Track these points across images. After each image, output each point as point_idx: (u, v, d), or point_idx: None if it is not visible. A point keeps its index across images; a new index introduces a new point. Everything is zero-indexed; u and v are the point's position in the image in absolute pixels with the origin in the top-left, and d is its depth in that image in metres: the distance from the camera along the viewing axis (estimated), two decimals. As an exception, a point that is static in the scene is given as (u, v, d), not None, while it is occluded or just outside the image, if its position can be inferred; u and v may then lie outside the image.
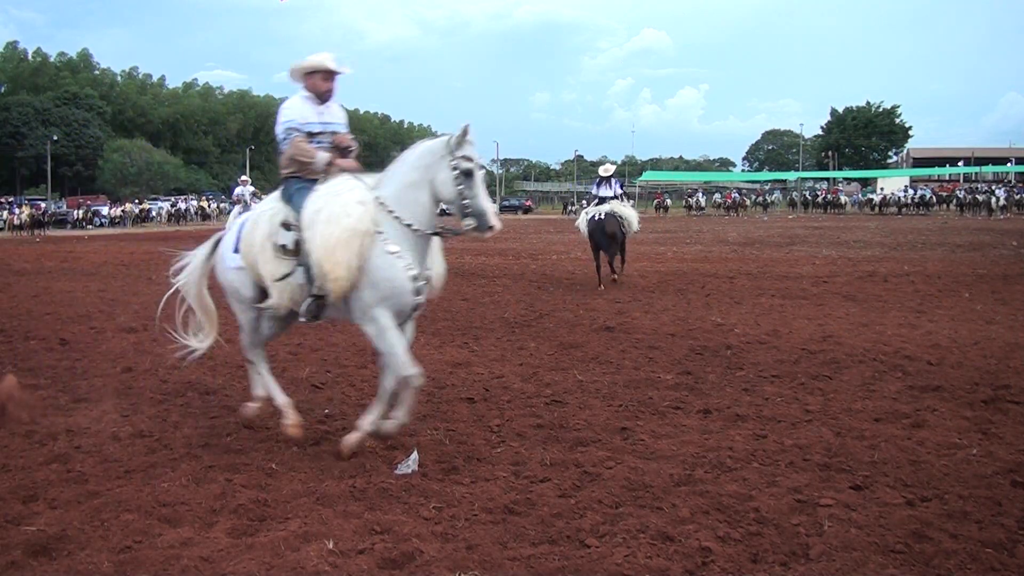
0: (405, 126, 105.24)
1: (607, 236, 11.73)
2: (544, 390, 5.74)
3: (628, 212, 12.17)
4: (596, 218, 11.94)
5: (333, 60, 4.53)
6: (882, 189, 58.30)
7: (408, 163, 4.23)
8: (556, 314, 9.22)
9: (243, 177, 19.22)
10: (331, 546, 3.24)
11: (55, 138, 59.40)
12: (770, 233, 27.52)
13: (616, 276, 12.30)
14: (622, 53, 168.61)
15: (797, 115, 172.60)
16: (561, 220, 50.06)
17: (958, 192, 49.87)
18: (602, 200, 12.28)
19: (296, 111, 4.49)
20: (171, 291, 5.13)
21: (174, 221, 47.82)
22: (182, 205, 50.66)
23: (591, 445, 4.50)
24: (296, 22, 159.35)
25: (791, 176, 75.05)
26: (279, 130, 4.49)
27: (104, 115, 68.64)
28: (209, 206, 50.67)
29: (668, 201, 55.94)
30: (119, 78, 77.24)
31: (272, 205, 4.56)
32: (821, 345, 7.20)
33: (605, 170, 12.75)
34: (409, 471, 4.09)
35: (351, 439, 4.32)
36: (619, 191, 12.67)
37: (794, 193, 60.59)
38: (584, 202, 13.17)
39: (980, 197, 46.29)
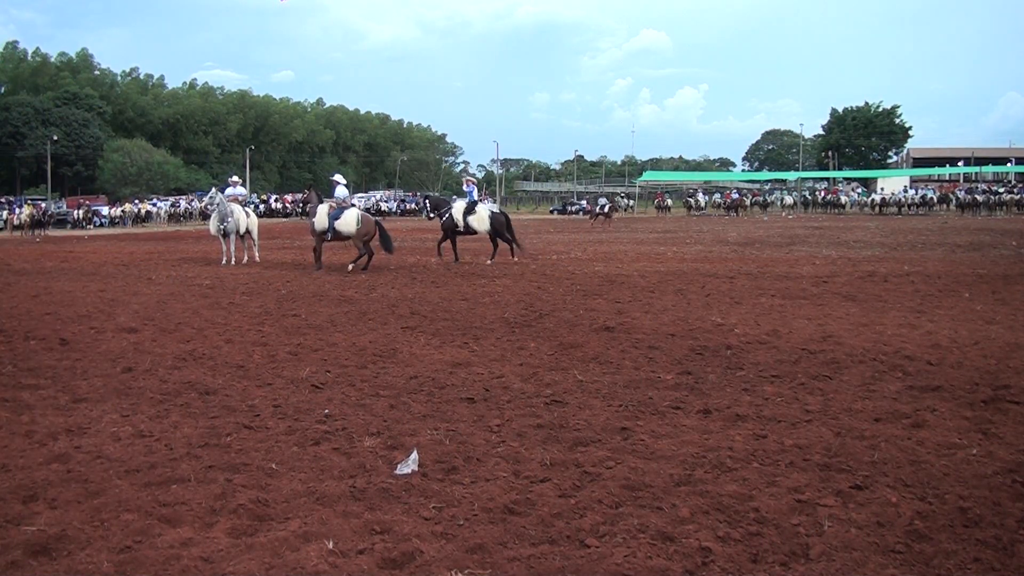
0: (405, 126, 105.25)
1: (509, 222, 16.52)
2: (544, 390, 5.74)
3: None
4: (500, 211, 17.45)
5: None
6: (882, 189, 58.40)
7: None
8: (556, 314, 9.22)
9: (234, 178, 19.25)
10: (331, 546, 3.24)
11: (55, 138, 59.43)
12: (770, 233, 27.52)
13: (516, 255, 16.40)
14: (621, 53, 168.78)
15: (797, 115, 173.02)
16: (560, 220, 50.08)
17: (958, 192, 49.93)
18: (475, 202, 16.47)
19: None
20: None
21: (174, 221, 47.87)
22: (183, 204, 50.68)
23: (591, 445, 4.50)
24: (296, 22, 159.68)
25: (791, 176, 75.13)
26: None
27: (104, 115, 68.70)
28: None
29: (669, 201, 56.07)
30: (119, 78, 77.34)
31: None
32: (821, 345, 7.20)
33: (473, 178, 17.49)
34: (409, 471, 4.09)
35: None
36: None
37: (794, 193, 60.86)
38: (435, 202, 18.42)
39: (979, 197, 46.38)
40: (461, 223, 16.15)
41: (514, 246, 16.41)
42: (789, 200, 56.44)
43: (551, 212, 66.15)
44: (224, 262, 16.72)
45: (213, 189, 18.38)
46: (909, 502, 3.62)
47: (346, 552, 3.21)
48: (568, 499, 3.72)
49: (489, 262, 15.93)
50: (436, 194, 20.49)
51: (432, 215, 17.45)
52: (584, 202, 66.01)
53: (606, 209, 38.93)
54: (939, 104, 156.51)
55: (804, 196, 57.96)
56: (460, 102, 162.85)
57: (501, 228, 16.20)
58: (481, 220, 16.09)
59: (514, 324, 8.61)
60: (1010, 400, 5.25)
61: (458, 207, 16.37)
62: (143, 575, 3.04)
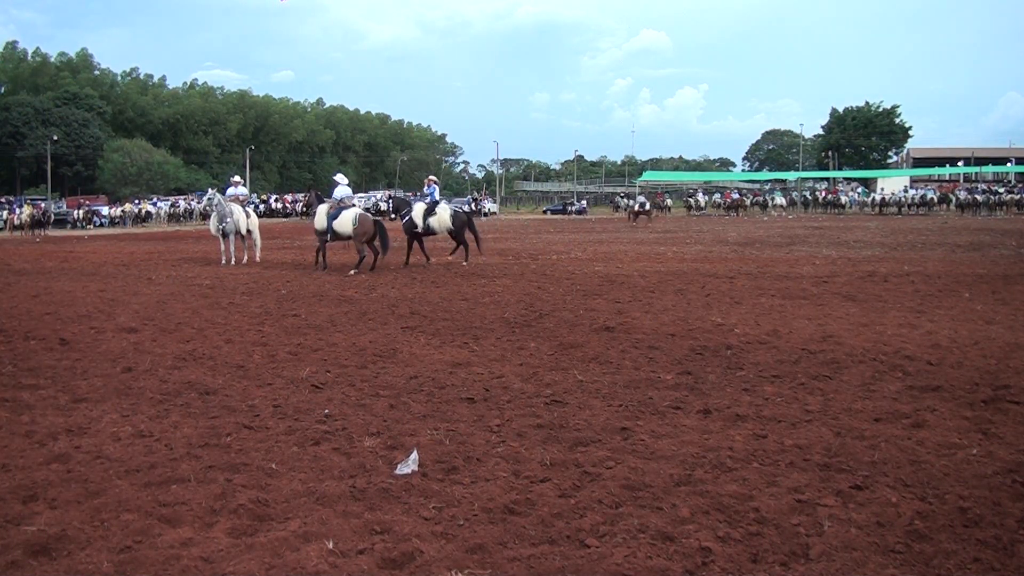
0: (405, 126, 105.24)
1: (471, 221, 16.42)
2: (544, 390, 5.74)
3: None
4: (462, 210, 17.69)
5: None
6: (882, 189, 58.38)
7: None
8: (556, 314, 9.22)
9: (235, 178, 19.29)
10: (331, 546, 3.24)
11: (55, 138, 59.43)
12: (770, 233, 27.52)
13: (470, 259, 16.02)
14: (621, 53, 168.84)
15: (797, 115, 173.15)
16: (559, 220, 50.08)
17: (958, 192, 49.94)
18: (436, 203, 16.25)
19: None
20: None
21: (174, 221, 47.88)
22: (183, 204, 50.67)
23: (591, 445, 4.50)
24: (296, 22, 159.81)
25: (791, 176, 75.13)
26: None
27: (104, 115, 68.70)
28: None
29: (668, 201, 56.04)
30: (119, 78, 77.36)
31: None
32: (821, 345, 7.20)
33: (435, 180, 17.02)
34: (409, 471, 4.09)
35: None
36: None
37: (793, 193, 60.79)
38: (400, 201, 18.14)
39: (979, 197, 46.41)
40: (421, 224, 15.93)
41: (468, 247, 16.14)
42: (780, 200, 55.72)
43: (544, 212, 65.51)
44: (224, 262, 16.71)
45: (211, 190, 18.41)
46: (909, 502, 3.62)
47: (346, 552, 3.21)
48: (568, 499, 3.72)
49: (465, 263, 15.77)
50: (402, 195, 20.43)
51: (394, 216, 17.31)
52: (584, 202, 65.93)
53: (646, 207, 38.90)
54: (939, 104, 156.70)
55: (804, 196, 57.84)
56: (460, 102, 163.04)
57: (462, 227, 16.08)
58: (441, 221, 15.91)
59: (514, 324, 8.61)
60: (1010, 400, 5.25)
61: (418, 208, 16.18)
62: (143, 575, 3.05)
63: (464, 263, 15.81)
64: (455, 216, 16.17)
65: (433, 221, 15.90)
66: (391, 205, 17.58)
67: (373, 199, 59.18)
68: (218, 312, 9.75)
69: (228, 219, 16.56)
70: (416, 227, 16.04)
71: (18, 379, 6.19)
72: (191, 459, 4.31)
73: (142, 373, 6.39)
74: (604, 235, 28.96)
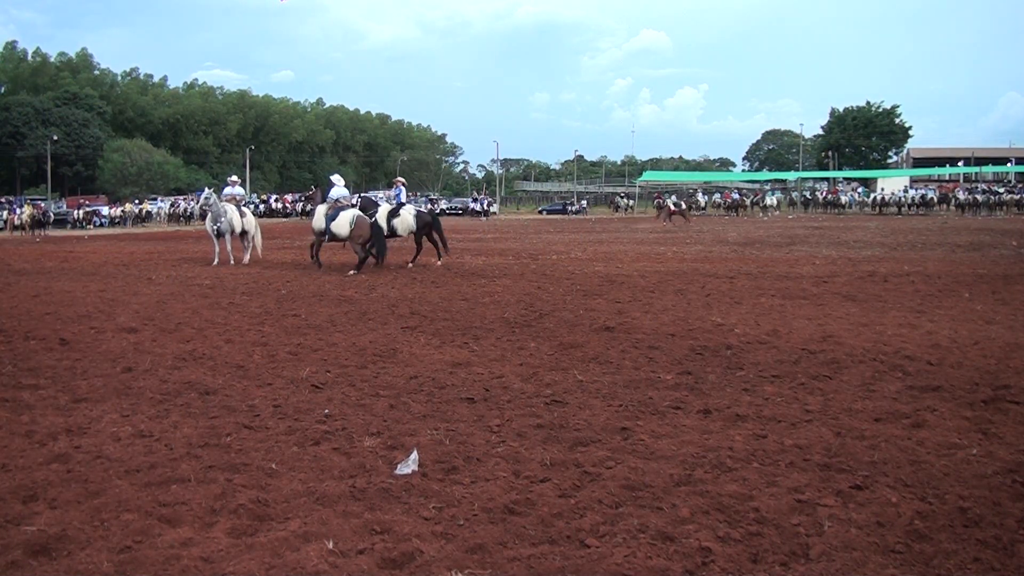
0: (405, 126, 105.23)
1: (437, 222, 16.44)
2: (544, 390, 5.74)
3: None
4: (424, 211, 17.96)
5: None
6: (882, 189, 58.38)
7: None
8: (556, 314, 9.22)
9: (233, 178, 19.32)
10: (331, 546, 3.24)
11: (55, 138, 59.44)
12: (770, 233, 27.53)
13: (442, 258, 16.07)
14: (621, 53, 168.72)
15: (797, 115, 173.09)
16: (558, 220, 50.07)
17: (958, 192, 49.95)
18: (401, 204, 16.63)
19: None
20: None
21: (174, 221, 47.88)
22: (183, 204, 50.65)
23: (591, 445, 4.50)
24: (296, 22, 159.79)
25: (791, 176, 75.13)
26: None
27: (104, 115, 68.70)
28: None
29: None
30: (119, 78, 77.39)
31: None
32: (821, 345, 7.20)
33: (403, 182, 18.28)
34: (409, 471, 4.09)
35: None
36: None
37: (794, 193, 60.75)
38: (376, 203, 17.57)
39: (979, 197, 46.44)
40: (386, 226, 15.72)
41: (441, 249, 16.02)
42: (771, 201, 54.91)
43: (539, 212, 65.15)
44: (215, 262, 16.67)
45: (207, 189, 18.42)
46: (909, 502, 3.62)
47: (346, 552, 3.21)
48: (568, 499, 3.72)
49: (410, 264, 15.70)
50: (370, 195, 20.32)
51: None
52: (584, 202, 65.79)
53: (681, 207, 38.58)
54: (939, 104, 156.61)
55: (804, 196, 57.75)
56: (460, 102, 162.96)
57: (427, 230, 15.99)
58: (404, 223, 15.85)
59: (514, 324, 8.61)
60: (1010, 400, 5.25)
61: (383, 210, 16.08)
62: (143, 575, 3.05)
63: (410, 264, 15.71)
64: (418, 217, 16.12)
65: (397, 223, 15.84)
66: (358, 204, 17.31)
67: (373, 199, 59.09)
68: (218, 312, 9.75)
69: (222, 219, 16.56)
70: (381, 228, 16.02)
71: (18, 379, 6.19)
72: (191, 459, 4.31)
73: (142, 373, 6.39)
74: (604, 235, 28.96)
